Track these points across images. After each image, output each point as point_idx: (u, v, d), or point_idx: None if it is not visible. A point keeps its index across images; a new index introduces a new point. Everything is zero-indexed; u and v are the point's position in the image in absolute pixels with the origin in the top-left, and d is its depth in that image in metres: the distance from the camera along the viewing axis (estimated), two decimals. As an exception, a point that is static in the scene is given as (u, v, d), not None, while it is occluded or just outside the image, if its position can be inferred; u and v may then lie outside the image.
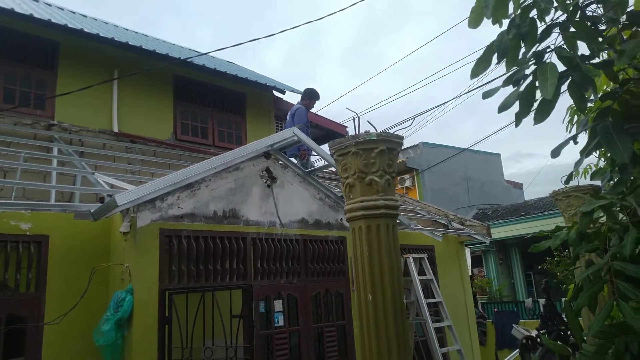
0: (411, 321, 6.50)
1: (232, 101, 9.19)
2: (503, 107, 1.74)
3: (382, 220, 2.59)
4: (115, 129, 7.68)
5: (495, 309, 11.29)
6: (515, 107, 1.86)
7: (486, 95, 1.75)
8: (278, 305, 5.39)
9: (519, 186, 22.16)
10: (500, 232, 13.91)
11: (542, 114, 1.80)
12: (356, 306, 2.62)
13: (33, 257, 4.43)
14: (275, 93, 9.75)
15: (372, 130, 2.72)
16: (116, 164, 7.14)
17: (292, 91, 9.54)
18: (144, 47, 7.69)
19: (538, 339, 3.69)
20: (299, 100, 7.23)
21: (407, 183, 20.37)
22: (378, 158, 2.62)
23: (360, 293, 2.56)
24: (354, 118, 2.81)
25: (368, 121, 2.80)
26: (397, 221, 6.58)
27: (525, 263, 15.27)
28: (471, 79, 1.84)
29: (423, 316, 6.00)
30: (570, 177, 2.27)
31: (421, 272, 6.58)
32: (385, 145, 2.64)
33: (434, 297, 6.38)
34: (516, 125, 1.85)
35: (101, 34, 7.25)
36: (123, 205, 4.17)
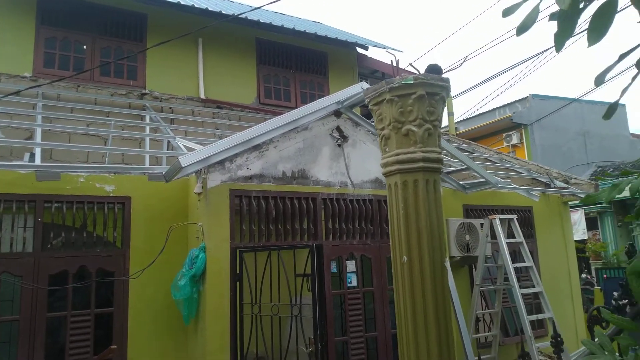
0: (498, 286, 6.06)
1: (314, 61, 9.05)
2: (522, 29, 1.37)
3: (421, 175, 2.31)
4: (202, 96, 7.97)
5: (605, 275, 10.13)
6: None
7: (507, 12, 1.40)
8: (351, 265, 5.30)
9: (647, 140, 19.38)
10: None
11: (599, 31, 1.40)
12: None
13: (117, 217, 4.78)
14: (359, 50, 9.40)
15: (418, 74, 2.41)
16: (204, 130, 7.45)
17: (376, 46, 9.12)
18: (223, 11, 7.80)
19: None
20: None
21: (514, 140, 18.86)
22: (416, 105, 2.33)
23: (395, 254, 2.34)
24: (391, 61, 2.51)
25: (410, 64, 2.49)
26: (482, 180, 6.08)
27: (650, 226, 13.47)
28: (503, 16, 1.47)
29: (510, 281, 5.54)
30: None
31: (511, 234, 6.05)
32: (424, 90, 2.33)
33: (524, 262, 5.85)
34: (557, 50, 1.47)
35: (182, 2, 7.46)
36: (189, 167, 4.29)
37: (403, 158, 2.33)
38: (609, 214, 13.87)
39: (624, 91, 1.39)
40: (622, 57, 1.34)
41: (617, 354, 1.82)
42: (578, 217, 13.38)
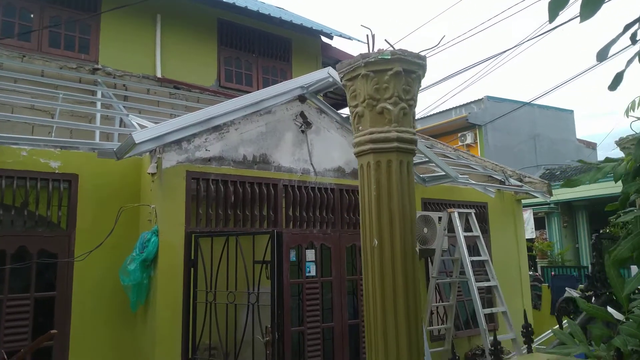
0: (454, 279, 6.12)
1: (278, 47, 8.85)
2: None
3: (394, 156, 2.22)
4: (159, 75, 7.62)
5: (553, 273, 10.58)
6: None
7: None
8: (310, 254, 5.19)
9: (592, 146, 20.33)
10: (566, 193, 12.88)
11: (592, 6, 1.34)
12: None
13: (63, 196, 4.45)
14: (323, 39, 9.27)
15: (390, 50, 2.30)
16: (160, 109, 7.11)
17: (341, 36, 9.01)
18: (184, -12, 7.46)
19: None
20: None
21: (469, 140, 19.33)
22: (392, 82, 2.22)
23: (365, 238, 2.23)
24: (367, 35, 2.40)
25: (386, 40, 2.38)
26: (442, 174, 6.11)
27: (592, 227, 14.12)
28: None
29: (466, 274, 5.60)
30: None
31: (468, 228, 6.11)
32: (401, 66, 2.22)
33: (480, 255, 5.93)
34: (550, 20, 1.40)
35: (141, -26, 7.07)
36: (143, 144, 4.03)
37: (377, 137, 2.22)
38: (556, 214, 14.47)
39: (629, 62, 1.33)
40: (627, 27, 1.28)
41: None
42: (527, 217, 13.86)
